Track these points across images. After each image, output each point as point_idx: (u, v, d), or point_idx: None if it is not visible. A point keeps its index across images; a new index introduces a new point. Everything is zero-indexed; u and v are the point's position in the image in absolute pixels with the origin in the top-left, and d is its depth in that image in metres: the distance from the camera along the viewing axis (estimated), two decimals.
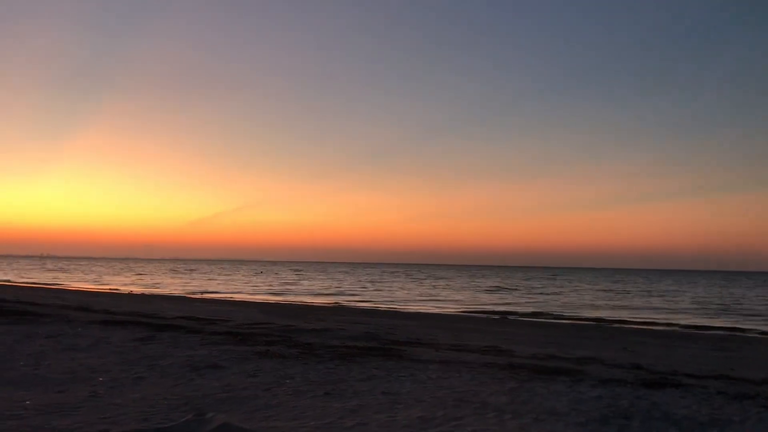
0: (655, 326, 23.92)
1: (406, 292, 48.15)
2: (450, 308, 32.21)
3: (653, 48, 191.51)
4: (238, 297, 37.21)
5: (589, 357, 11.61)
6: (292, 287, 51.46)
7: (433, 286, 59.56)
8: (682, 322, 25.72)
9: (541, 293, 49.55)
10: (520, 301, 38.98)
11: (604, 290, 57.20)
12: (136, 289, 42.61)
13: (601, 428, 5.88)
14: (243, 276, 75.53)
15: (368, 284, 60.04)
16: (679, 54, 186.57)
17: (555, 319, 27.08)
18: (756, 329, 23.51)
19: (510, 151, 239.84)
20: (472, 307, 32.62)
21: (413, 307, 31.94)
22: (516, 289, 55.35)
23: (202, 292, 41.03)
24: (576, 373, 9.03)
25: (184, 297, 35.25)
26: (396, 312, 27.99)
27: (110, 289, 43.03)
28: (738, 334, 21.79)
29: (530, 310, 31.27)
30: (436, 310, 30.38)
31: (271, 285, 54.11)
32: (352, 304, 34.12)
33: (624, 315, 29.13)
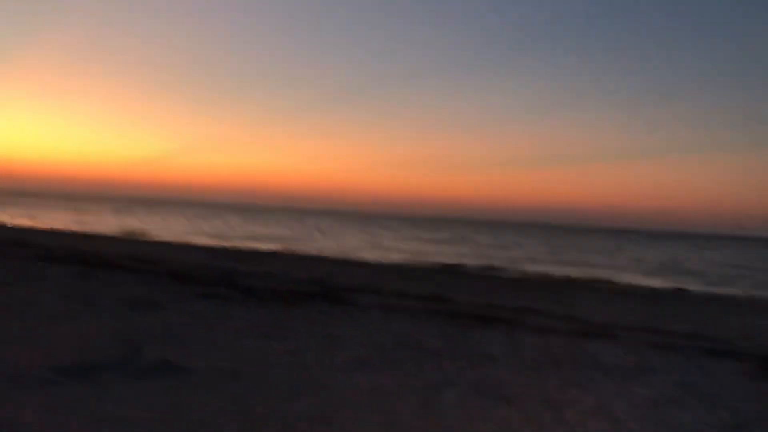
0: (595, 283, 24.71)
1: (354, 240, 48.35)
2: (397, 257, 32.52)
3: (617, 6, 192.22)
4: (182, 239, 36.66)
5: (527, 308, 11.92)
6: (239, 231, 51.00)
7: (382, 235, 59.97)
8: (621, 280, 26.63)
9: (487, 246, 50.50)
10: (465, 253, 39.64)
11: (549, 246, 58.68)
12: (77, 227, 41.51)
13: (534, 373, 6.08)
14: (188, 219, 74.38)
15: (317, 231, 60.00)
16: (643, 10, 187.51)
17: (498, 271, 27.68)
18: (691, 289, 24.53)
19: (463, 106, 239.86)
20: (419, 258, 33.03)
21: (361, 255, 32.11)
22: (463, 242, 56.25)
23: (144, 233, 40.25)
24: (513, 322, 9.27)
25: (126, 237, 34.54)
26: (343, 260, 28.10)
27: (49, 225, 41.79)
28: (674, 291, 22.72)
29: (475, 262, 31.85)
30: (384, 259, 30.63)
31: (217, 228, 53.49)
32: (299, 249, 34.09)
33: (565, 271, 29.98)
